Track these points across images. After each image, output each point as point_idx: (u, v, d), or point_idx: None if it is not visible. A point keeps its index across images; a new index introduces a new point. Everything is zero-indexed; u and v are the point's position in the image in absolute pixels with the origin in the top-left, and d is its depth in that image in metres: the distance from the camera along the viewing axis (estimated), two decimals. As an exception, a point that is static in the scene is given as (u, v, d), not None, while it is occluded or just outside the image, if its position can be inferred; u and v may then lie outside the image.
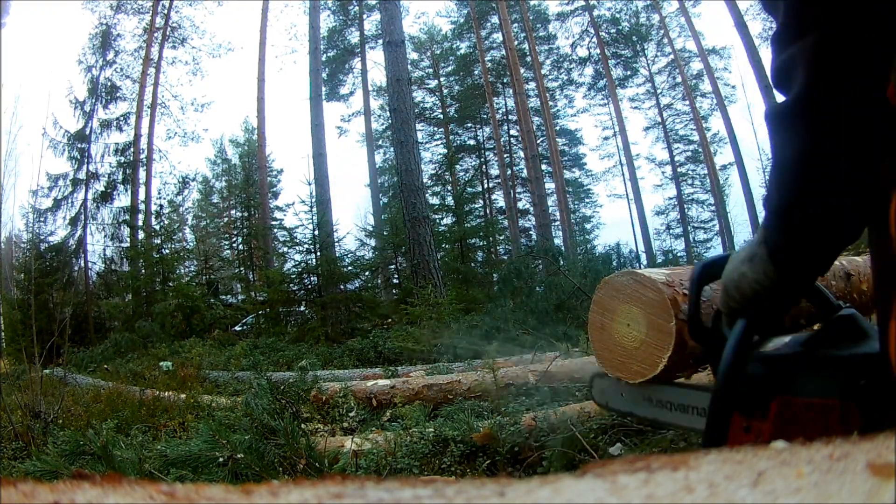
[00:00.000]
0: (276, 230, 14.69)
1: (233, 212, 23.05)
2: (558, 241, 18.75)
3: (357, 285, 10.16)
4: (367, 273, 10.76)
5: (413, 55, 23.46)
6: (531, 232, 22.36)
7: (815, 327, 0.79)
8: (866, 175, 0.47)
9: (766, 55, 13.61)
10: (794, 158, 0.50)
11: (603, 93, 23.23)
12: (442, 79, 24.81)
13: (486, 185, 24.47)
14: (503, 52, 20.28)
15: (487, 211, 23.45)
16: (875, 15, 0.42)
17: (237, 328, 10.92)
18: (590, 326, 1.15)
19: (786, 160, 0.51)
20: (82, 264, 14.63)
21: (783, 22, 0.47)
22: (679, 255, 17.37)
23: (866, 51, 0.43)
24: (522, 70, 19.64)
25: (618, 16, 22.08)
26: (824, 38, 0.44)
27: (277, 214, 17.52)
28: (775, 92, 0.52)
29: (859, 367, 0.58)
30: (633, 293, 1.04)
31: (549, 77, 23.21)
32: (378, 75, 21.10)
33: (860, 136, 0.46)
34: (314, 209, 10.17)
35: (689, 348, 0.95)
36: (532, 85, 21.48)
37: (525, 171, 20.86)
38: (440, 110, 24.88)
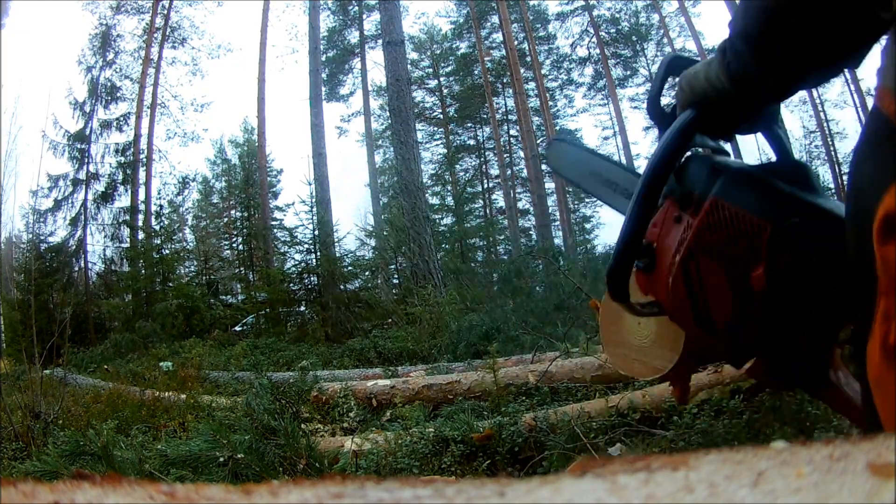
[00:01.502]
0: (276, 230, 14.69)
1: (233, 212, 23.03)
2: (558, 241, 18.77)
3: (357, 285, 10.16)
4: (367, 273, 10.76)
5: (413, 55, 23.47)
6: (531, 232, 22.36)
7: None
8: (831, 23, 0.49)
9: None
10: (763, 17, 0.52)
11: (603, 93, 23.23)
12: (442, 79, 24.81)
13: (486, 185, 24.47)
14: (503, 52, 20.29)
15: (487, 211, 23.46)
16: None
17: (237, 328, 10.91)
18: (600, 325, 1.16)
19: (754, 14, 0.53)
20: (82, 265, 14.62)
21: None
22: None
23: None
24: (522, 70, 19.64)
25: (617, 16, 22.08)
26: None
27: (277, 214, 17.52)
28: None
29: (795, 207, 0.60)
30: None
31: (549, 77, 23.21)
32: (378, 75, 21.11)
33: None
34: (314, 209, 10.18)
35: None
36: (532, 85, 21.48)
37: (525, 171, 20.86)
38: (440, 110, 24.88)
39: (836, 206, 0.60)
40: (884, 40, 0.49)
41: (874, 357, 0.45)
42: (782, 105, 0.75)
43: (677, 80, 0.72)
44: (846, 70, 0.56)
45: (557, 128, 23.27)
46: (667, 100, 0.80)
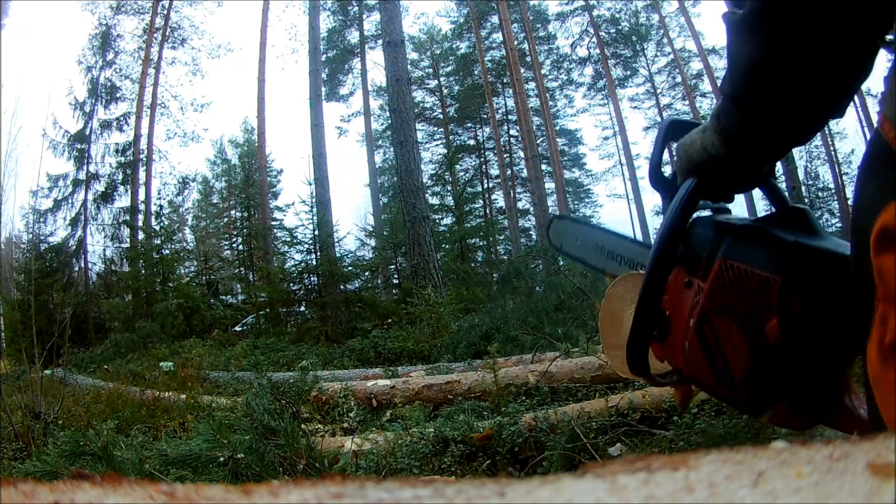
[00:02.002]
0: (276, 230, 14.69)
1: (233, 212, 23.05)
2: (558, 241, 18.71)
3: (357, 285, 10.16)
4: (367, 273, 10.76)
5: (413, 55, 23.47)
6: (531, 232, 22.37)
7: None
8: (812, 86, 0.52)
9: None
10: (747, 62, 0.55)
11: (603, 93, 23.24)
12: (442, 79, 24.82)
13: (486, 185, 24.47)
14: (503, 52, 20.29)
15: (487, 211, 23.45)
16: None
17: (237, 328, 10.92)
18: (600, 325, 1.17)
19: (739, 60, 0.56)
20: (82, 265, 14.62)
21: None
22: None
23: None
24: (522, 70, 19.64)
25: (617, 16, 22.08)
26: None
27: (277, 214, 17.54)
28: None
29: (803, 254, 0.61)
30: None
31: (549, 77, 23.22)
32: (378, 75, 21.12)
33: (810, 51, 0.50)
34: (314, 209, 10.18)
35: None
36: (532, 85, 21.48)
37: (525, 171, 20.86)
38: (440, 110, 24.89)
39: (839, 245, 0.61)
40: (887, 65, 0.50)
41: (872, 358, 0.48)
42: None
43: (675, 147, 0.73)
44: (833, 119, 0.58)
45: (558, 127, 23.28)
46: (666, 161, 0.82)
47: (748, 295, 0.62)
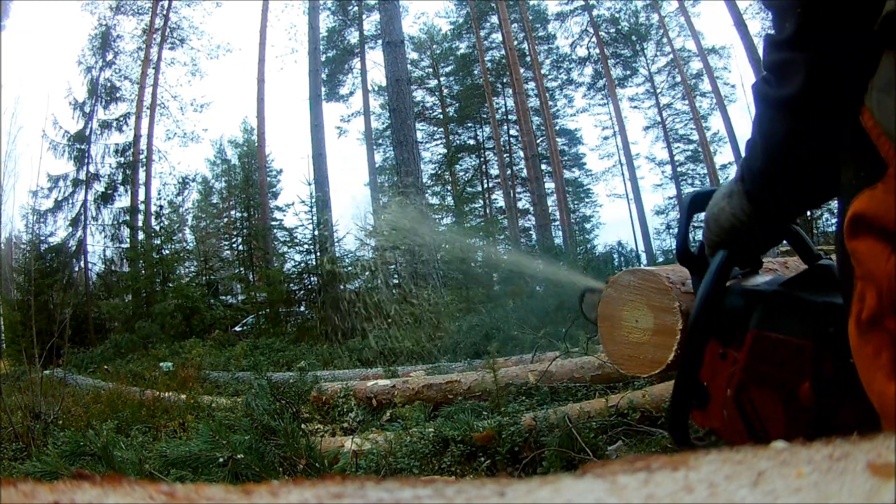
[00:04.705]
0: (276, 230, 14.68)
1: (232, 212, 23.03)
2: (558, 241, 18.74)
3: (357, 285, 10.15)
4: (367, 273, 10.75)
5: (413, 55, 23.46)
6: (531, 232, 22.36)
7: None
8: (832, 161, 0.57)
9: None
10: (776, 138, 0.59)
11: (602, 92, 23.23)
12: (442, 79, 24.80)
13: (486, 185, 24.47)
14: (503, 51, 20.29)
15: (487, 211, 23.46)
16: (862, 43, 0.50)
17: (237, 328, 10.92)
18: (599, 323, 1.19)
19: (767, 135, 0.60)
20: (82, 265, 14.63)
21: (793, 30, 0.54)
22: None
23: (853, 76, 0.51)
24: (522, 70, 19.64)
25: (617, 15, 22.08)
26: (823, 57, 0.52)
27: (277, 214, 17.52)
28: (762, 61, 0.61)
29: (831, 314, 0.62)
30: (640, 290, 1.07)
31: (549, 77, 23.21)
32: (378, 75, 21.10)
33: (832, 138, 0.56)
34: (314, 209, 10.18)
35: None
36: (532, 85, 21.48)
37: (525, 170, 20.86)
38: (440, 110, 24.88)
39: None
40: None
41: (853, 333, 0.52)
42: None
43: (702, 217, 0.75)
44: None
45: (558, 127, 23.28)
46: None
47: (782, 362, 0.64)
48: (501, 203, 24.06)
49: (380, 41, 12.92)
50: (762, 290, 0.69)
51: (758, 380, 0.66)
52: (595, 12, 22.00)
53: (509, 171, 23.47)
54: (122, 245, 15.03)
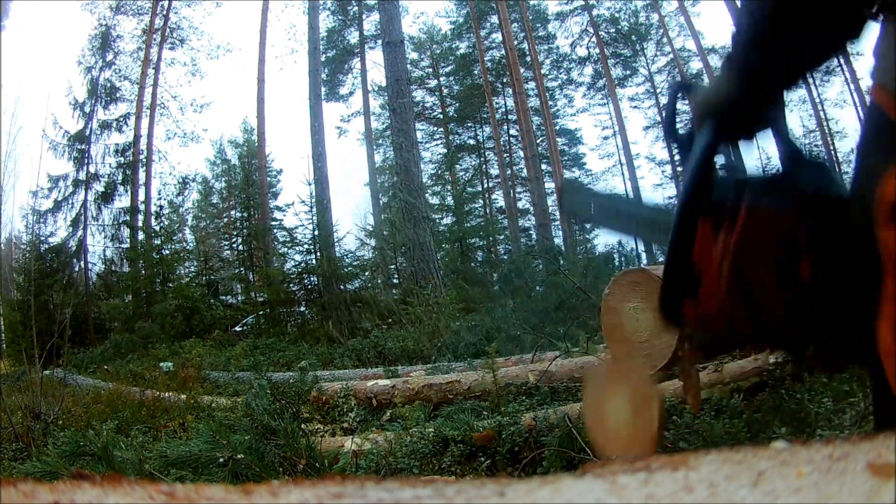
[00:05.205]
0: (276, 230, 14.67)
1: (232, 212, 23.00)
2: (558, 241, 18.74)
3: (357, 285, 10.16)
4: (367, 273, 10.76)
5: (413, 55, 23.45)
6: (531, 232, 22.35)
7: None
8: (819, 34, 0.57)
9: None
10: (769, 8, 0.59)
11: (602, 92, 23.22)
12: (442, 79, 24.80)
13: (486, 185, 24.46)
14: (503, 51, 20.28)
15: (487, 211, 23.43)
16: None
17: (237, 329, 10.91)
18: (602, 321, 1.20)
19: (760, 7, 0.60)
20: (82, 265, 14.62)
21: None
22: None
23: None
24: (522, 70, 19.64)
25: (617, 15, 22.07)
26: None
27: (277, 215, 17.50)
28: None
29: (826, 199, 0.62)
30: (641, 290, 1.08)
31: (549, 77, 23.20)
32: (378, 75, 21.09)
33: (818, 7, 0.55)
34: (314, 209, 10.18)
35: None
36: (532, 84, 21.47)
37: (525, 170, 20.85)
38: (440, 110, 24.87)
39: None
40: (874, 41, 0.53)
41: (886, 334, 0.50)
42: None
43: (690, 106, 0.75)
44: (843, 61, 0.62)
45: (558, 127, 23.29)
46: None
47: (777, 237, 0.62)
48: (501, 203, 24.06)
49: (380, 41, 12.92)
50: (755, 177, 0.68)
51: (753, 256, 0.64)
52: (595, 12, 22.00)
53: (509, 171, 23.46)
54: (122, 245, 15.03)
